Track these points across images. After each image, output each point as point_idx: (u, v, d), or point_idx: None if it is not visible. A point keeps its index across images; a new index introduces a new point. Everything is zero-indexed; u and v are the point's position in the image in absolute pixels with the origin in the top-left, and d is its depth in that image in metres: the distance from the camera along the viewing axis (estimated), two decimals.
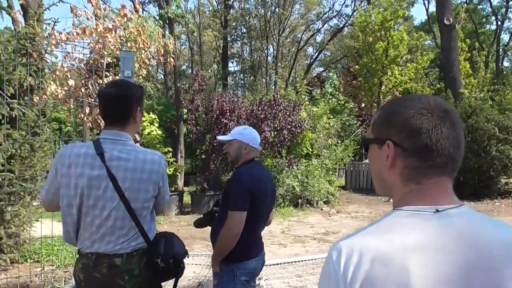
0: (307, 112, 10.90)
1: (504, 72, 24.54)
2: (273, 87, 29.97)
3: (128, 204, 1.67)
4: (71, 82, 9.26)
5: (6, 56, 4.33)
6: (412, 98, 0.87)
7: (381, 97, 13.51)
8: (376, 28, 12.83)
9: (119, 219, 1.68)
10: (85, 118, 10.26)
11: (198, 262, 5.35)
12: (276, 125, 8.98)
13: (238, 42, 31.95)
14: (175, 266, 1.78)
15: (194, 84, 9.39)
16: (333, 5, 42.06)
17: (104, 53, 9.27)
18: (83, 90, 9.79)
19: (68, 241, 1.76)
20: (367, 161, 14.41)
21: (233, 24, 29.18)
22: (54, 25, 5.43)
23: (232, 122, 8.94)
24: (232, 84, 28.66)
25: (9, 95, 4.22)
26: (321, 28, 30.65)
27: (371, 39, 13.35)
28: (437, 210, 0.77)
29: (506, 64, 26.86)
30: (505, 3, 25.04)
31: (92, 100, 10.13)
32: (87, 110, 9.93)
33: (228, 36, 26.56)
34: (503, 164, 10.48)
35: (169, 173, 9.13)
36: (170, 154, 9.60)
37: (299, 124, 9.28)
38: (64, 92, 9.38)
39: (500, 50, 25.68)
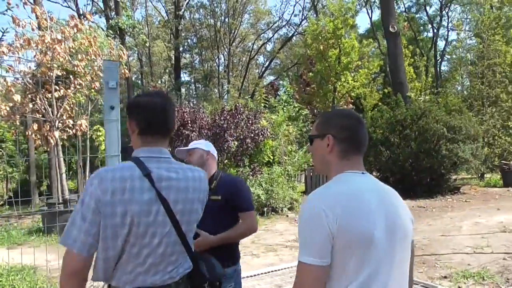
0: (267, 120, 10.97)
1: (442, 77, 26.28)
2: (226, 96, 29.98)
3: (180, 228, 1.50)
4: (17, 97, 8.64)
5: None
6: (340, 110, 1.62)
7: (336, 102, 13.93)
8: (328, 36, 13.24)
9: (170, 245, 1.49)
10: (33, 135, 9.60)
11: None
12: (239, 134, 8.92)
13: (188, 52, 31.67)
14: None
15: None
16: (282, 15, 43.00)
17: (53, 66, 8.75)
18: (30, 106, 9.19)
19: (101, 280, 1.48)
20: None
21: (183, 35, 28.90)
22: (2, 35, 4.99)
23: (194, 133, 8.77)
24: (185, 95, 28.23)
25: None
26: (271, 37, 31.20)
27: (322, 47, 13.74)
28: (363, 173, 1.30)
29: (443, 68, 28.82)
30: (439, 12, 26.95)
31: (40, 115, 9.50)
32: (35, 127, 9.30)
33: (180, 46, 26.21)
34: (452, 162, 11.14)
35: None
36: None
37: (262, 132, 9.29)
38: (8, 108, 8.72)
39: (438, 55, 27.54)
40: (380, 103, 20.06)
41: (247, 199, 2.44)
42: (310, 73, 15.17)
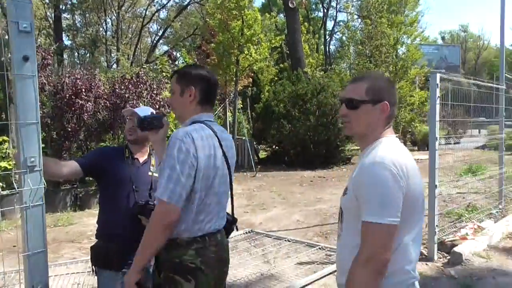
0: (169, 91, 10.30)
1: (331, 55, 28.12)
2: (115, 65, 27.61)
3: (231, 180, 1.81)
4: None
5: None
6: (380, 75, 1.77)
7: (239, 75, 13.78)
8: (232, 6, 12.85)
9: (226, 194, 1.79)
10: None
11: (76, 270, 4.47)
12: (143, 105, 8.15)
13: (70, 13, 28.03)
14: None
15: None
16: None
17: None
18: None
19: (177, 234, 1.61)
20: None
21: None
22: None
23: (89, 103, 7.74)
24: (69, 61, 25.14)
25: None
26: (166, 3, 29.36)
27: (225, 17, 13.32)
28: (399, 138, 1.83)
29: (332, 47, 30.86)
30: None
31: None
32: None
33: (61, 4, 22.97)
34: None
35: (8, 167, 7.40)
36: (7, 144, 7.80)
37: (167, 104, 8.65)
38: None
39: (327, 35, 29.31)
40: (276, 78, 20.66)
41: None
42: (212, 44, 14.66)
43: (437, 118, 4.22)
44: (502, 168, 5.76)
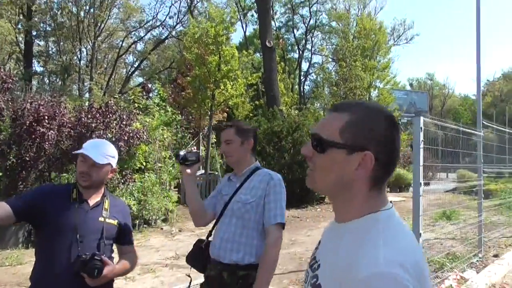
0: (141, 123, 9.89)
1: (305, 96, 28.64)
2: (87, 94, 26.94)
3: None
4: None
5: None
6: (375, 108, 0.94)
7: (214, 109, 13.58)
8: (209, 41, 12.83)
9: None
10: None
11: None
12: (111, 136, 7.71)
13: (43, 39, 27.51)
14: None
15: None
16: (156, 15, 41.04)
17: None
18: None
19: None
20: (200, 172, 14.24)
21: (36, 18, 25.01)
22: None
23: (52, 131, 7.23)
24: (38, 88, 24.30)
25: None
26: (143, 36, 29.39)
27: (202, 52, 13.27)
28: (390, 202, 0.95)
29: (306, 87, 31.51)
30: (304, 36, 29.43)
31: None
32: None
33: (33, 31, 22.49)
34: None
35: None
36: None
37: (137, 135, 8.24)
38: None
39: (301, 75, 29.98)
40: (251, 114, 20.64)
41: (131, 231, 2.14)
42: (188, 78, 14.51)
43: (421, 162, 4.05)
44: (481, 216, 5.63)
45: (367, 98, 16.14)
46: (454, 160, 5.99)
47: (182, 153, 2.16)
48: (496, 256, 5.70)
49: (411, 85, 52.25)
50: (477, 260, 5.41)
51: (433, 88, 52.05)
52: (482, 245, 5.68)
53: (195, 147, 2.31)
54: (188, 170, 2.14)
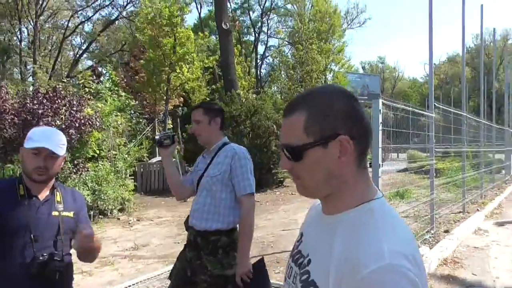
0: (93, 108, 9.39)
1: (262, 79, 28.59)
2: (31, 78, 25.25)
3: None
4: None
5: None
6: (326, 90, 0.92)
7: (169, 94, 13.19)
8: (164, 23, 12.35)
9: None
10: None
11: None
12: (60, 123, 7.24)
13: None
14: None
15: None
16: None
17: None
18: None
19: None
20: (157, 159, 13.88)
21: None
22: None
23: None
24: None
25: None
26: (91, 16, 27.80)
27: (156, 34, 12.76)
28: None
29: (263, 70, 31.44)
30: (260, 19, 29.19)
31: None
32: None
33: None
34: (280, 157, 11.95)
35: None
36: None
37: (89, 122, 7.81)
38: None
39: (258, 59, 29.84)
40: (208, 99, 20.30)
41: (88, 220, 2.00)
42: (141, 61, 13.93)
43: (380, 144, 4.13)
44: (433, 194, 5.91)
45: (323, 81, 16.37)
46: (405, 141, 6.21)
47: (157, 137, 2.45)
48: (446, 231, 6.03)
49: (363, 68, 53.85)
50: (430, 237, 5.69)
51: (384, 71, 53.93)
52: (434, 222, 5.98)
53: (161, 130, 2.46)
54: (165, 152, 2.45)
